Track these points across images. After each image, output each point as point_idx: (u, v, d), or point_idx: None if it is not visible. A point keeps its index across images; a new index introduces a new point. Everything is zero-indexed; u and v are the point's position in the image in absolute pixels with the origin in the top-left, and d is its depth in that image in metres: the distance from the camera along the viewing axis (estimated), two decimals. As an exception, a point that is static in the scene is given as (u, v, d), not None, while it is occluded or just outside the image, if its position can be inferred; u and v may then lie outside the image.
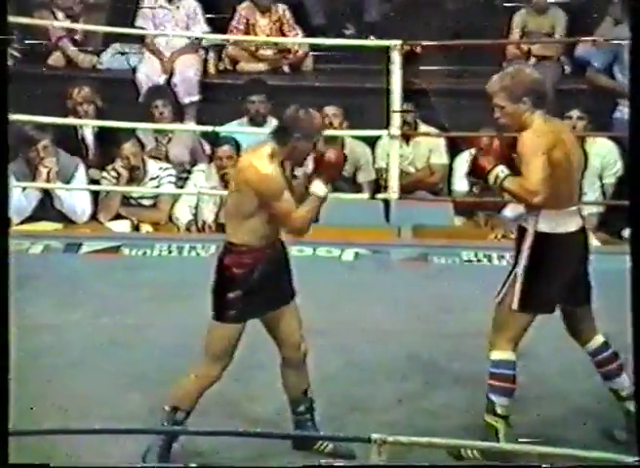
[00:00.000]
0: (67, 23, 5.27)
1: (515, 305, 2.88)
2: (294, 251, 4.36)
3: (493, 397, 2.91)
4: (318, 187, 2.84)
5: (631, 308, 2.24)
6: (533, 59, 5.09)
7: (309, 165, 2.90)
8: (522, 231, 2.91)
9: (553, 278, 2.88)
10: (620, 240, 4.53)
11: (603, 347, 2.99)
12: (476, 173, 2.91)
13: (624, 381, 2.98)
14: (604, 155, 4.77)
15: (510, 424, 2.92)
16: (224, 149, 4.64)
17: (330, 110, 4.78)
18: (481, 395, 2.99)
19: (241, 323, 2.86)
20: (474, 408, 3.04)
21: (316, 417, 2.99)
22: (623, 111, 4.91)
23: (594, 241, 4.41)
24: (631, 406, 2.94)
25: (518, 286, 2.86)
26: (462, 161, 4.82)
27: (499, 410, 2.91)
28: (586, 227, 2.97)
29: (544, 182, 2.78)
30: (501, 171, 2.84)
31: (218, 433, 2.85)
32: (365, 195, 4.73)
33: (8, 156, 2.38)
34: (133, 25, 5.19)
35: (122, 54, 5.31)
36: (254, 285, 2.84)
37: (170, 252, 4.44)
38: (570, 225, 2.88)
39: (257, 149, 2.87)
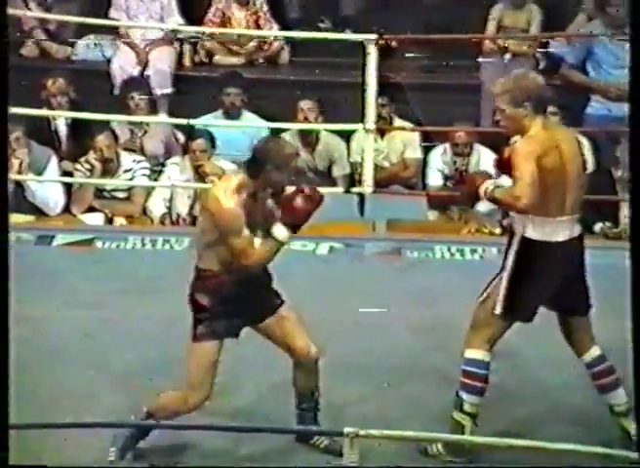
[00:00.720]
0: (40, 14, 5.22)
1: (498, 310, 2.88)
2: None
3: (463, 394, 2.93)
4: (280, 231, 2.79)
5: (631, 306, 2.23)
6: (508, 55, 5.11)
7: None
8: (512, 235, 2.89)
9: (537, 286, 2.87)
10: (591, 234, 4.58)
11: (599, 360, 2.96)
12: (467, 190, 2.90)
13: (620, 396, 2.94)
14: (576, 150, 4.80)
15: (477, 423, 2.92)
16: (199, 142, 4.63)
17: (305, 104, 4.78)
18: (454, 388, 3.01)
19: (213, 340, 2.85)
20: (447, 400, 3.06)
21: (292, 411, 2.99)
22: (595, 107, 4.96)
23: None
24: (625, 422, 2.92)
25: (502, 290, 2.86)
26: (437, 155, 4.85)
27: (467, 408, 2.91)
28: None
29: (532, 188, 2.76)
30: (491, 183, 2.85)
31: (197, 427, 2.86)
32: (339, 189, 4.74)
33: (7, 150, 2.34)
34: (106, 16, 5.16)
35: (96, 45, 5.27)
36: (219, 308, 2.83)
37: (143, 245, 4.43)
38: (560, 235, 2.85)
39: (228, 178, 2.85)
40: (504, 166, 2.87)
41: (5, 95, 2.25)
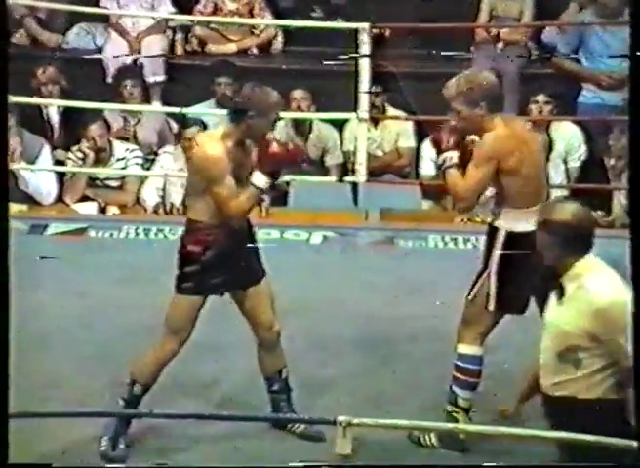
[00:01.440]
0: (31, 1, 5.19)
1: (492, 307, 2.89)
2: (261, 234, 4.40)
3: (456, 389, 2.95)
4: (258, 178, 2.82)
5: (632, 305, 2.24)
6: (500, 44, 5.11)
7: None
8: (492, 230, 2.92)
9: (525, 276, 2.88)
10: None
11: None
12: (434, 143, 2.94)
13: None
14: (568, 139, 4.81)
15: (470, 417, 2.94)
16: (192, 131, 4.62)
17: (298, 94, 4.77)
18: (446, 375, 3.02)
19: (197, 296, 2.88)
20: (438, 388, 3.08)
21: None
22: (587, 96, 4.97)
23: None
24: None
25: (493, 286, 2.88)
26: (430, 144, 4.85)
27: (460, 403, 2.94)
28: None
29: (474, 193, 2.80)
30: (450, 158, 2.85)
31: (184, 416, 2.86)
32: (333, 178, 4.74)
33: (7, 140, 2.34)
34: (97, 5, 5.13)
35: (87, 33, 5.25)
36: (209, 261, 2.86)
37: (137, 234, 4.42)
38: (531, 223, 2.82)
39: (215, 129, 2.90)
40: (436, 144, 2.87)
41: (5, 84, 2.24)
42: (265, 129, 2.84)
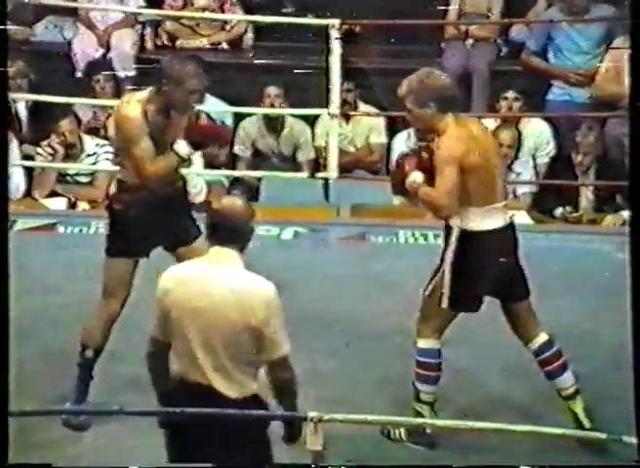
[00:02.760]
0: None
1: (445, 304, 2.90)
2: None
3: (418, 385, 2.97)
4: (181, 146, 2.86)
5: (631, 305, 2.26)
6: (470, 40, 5.14)
7: None
8: (449, 228, 2.92)
9: (480, 277, 2.89)
10: (552, 218, 4.65)
11: (546, 345, 2.98)
12: (396, 175, 2.92)
13: (567, 380, 2.96)
14: (537, 135, 4.86)
15: (435, 411, 2.96)
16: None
17: (272, 91, 4.77)
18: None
19: (126, 258, 2.92)
20: (408, 383, 3.09)
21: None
22: (556, 93, 5.02)
23: (527, 219, 4.51)
24: (573, 405, 2.95)
25: (447, 284, 2.88)
26: (401, 140, 4.87)
27: (423, 398, 2.96)
28: (518, 213, 2.98)
29: (452, 195, 2.79)
30: (415, 180, 2.85)
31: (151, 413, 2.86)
32: (304, 174, 4.74)
33: (7, 140, 2.33)
34: (66, -3, 5.10)
35: (56, 26, 5.20)
36: (133, 221, 2.90)
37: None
38: (495, 222, 2.88)
39: (138, 93, 2.94)
40: (399, 174, 2.88)
41: (5, 83, 2.22)
42: (182, 99, 2.85)
